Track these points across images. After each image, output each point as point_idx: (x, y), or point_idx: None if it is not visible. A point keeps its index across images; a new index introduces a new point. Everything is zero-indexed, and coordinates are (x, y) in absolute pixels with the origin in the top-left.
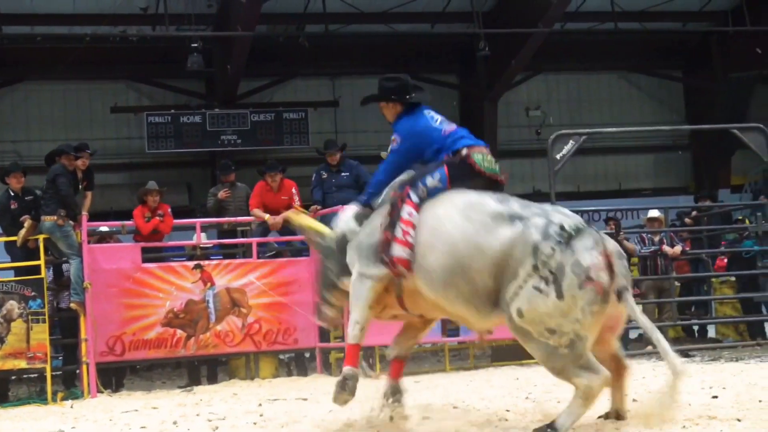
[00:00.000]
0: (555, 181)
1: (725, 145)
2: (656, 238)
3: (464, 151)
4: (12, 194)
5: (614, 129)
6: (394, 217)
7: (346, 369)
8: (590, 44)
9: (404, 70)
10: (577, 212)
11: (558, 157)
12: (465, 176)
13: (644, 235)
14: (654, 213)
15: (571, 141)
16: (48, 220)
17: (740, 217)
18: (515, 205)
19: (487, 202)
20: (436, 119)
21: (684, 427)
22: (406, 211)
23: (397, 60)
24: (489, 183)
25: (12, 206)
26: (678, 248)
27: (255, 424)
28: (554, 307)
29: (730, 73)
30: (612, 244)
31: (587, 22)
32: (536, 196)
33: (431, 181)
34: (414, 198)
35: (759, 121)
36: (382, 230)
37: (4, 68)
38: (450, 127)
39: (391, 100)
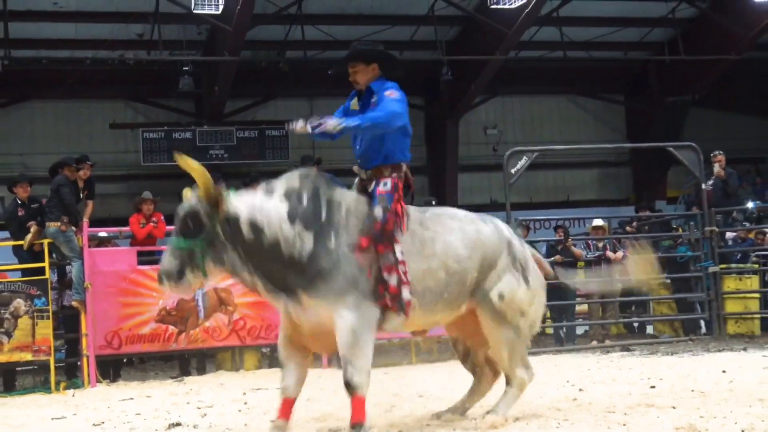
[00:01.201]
0: (510, 193)
1: (662, 161)
2: (600, 245)
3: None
4: (19, 202)
5: (563, 146)
6: (389, 255)
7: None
8: (541, 70)
9: None
10: (530, 221)
11: (513, 171)
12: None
13: (590, 241)
14: (598, 222)
15: (524, 157)
16: (52, 226)
17: (675, 226)
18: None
19: (451, 212)
20: None
21: (625, 414)
22: (399, 250)
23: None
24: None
25: (19, 213)
26: (620, 253)
27: (240, 411)
28: (525, 294)
29: (666, 98)
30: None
31: (539, 50)
32: (493, 206)
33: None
34: (398, 236)
35: (692, 141)
36: (377, 265)
37: (13, 88)
38: None
39: (371, 63)
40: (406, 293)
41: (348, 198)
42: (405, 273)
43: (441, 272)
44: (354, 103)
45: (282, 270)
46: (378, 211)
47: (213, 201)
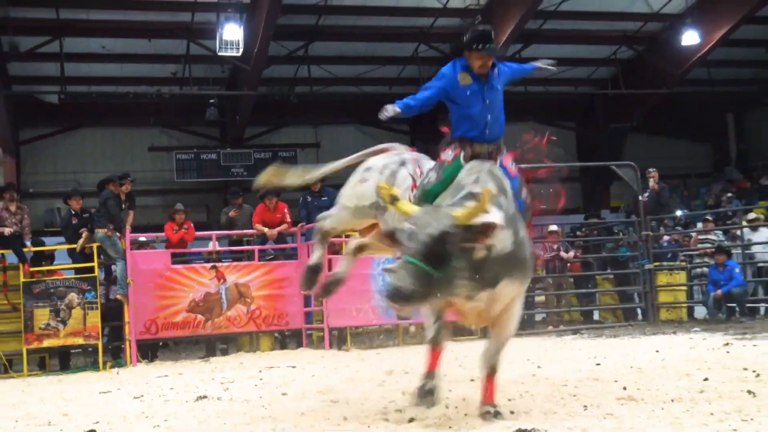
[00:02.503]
0: None
1: (606, 177)
2: (555, 246)
3: None
4: (73, 213)
5: (524, 165)
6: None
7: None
8: (507, 103)
9: (370, 123)
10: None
11: None
12: None
13: (546, 243)
14: (553, 227)
15: None
16: (100, 232)
17: (617, 231)
18: None
19: None
20: None
21: (576, 387)
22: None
23: (363, 114)
24: None
25: (73, 222)
26: (571, 254)
27: (256, 385)
28: None
29: (609, 124)
30: None
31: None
32: None
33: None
34: None
35: (631, 160)
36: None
37: (68, 117)
38: None
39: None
40: None
41: (506, 182)
42: None
43: None
44: (465, 78)
45: (494, 269)
46: (526, 196)
47: (479, 233)
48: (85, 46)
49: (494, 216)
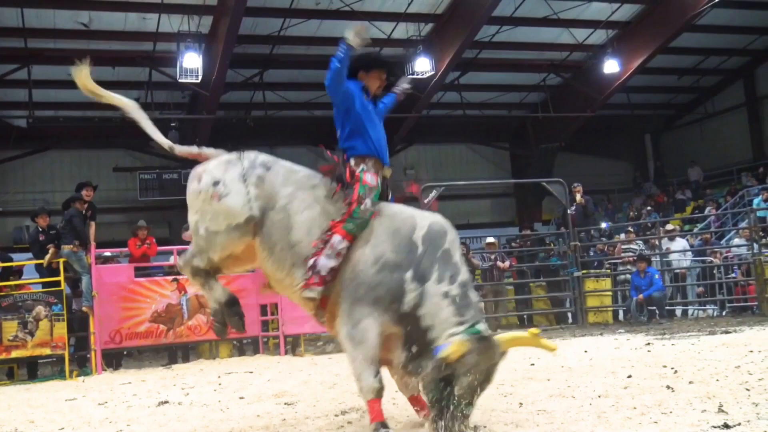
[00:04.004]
0: None
1: (537, 193)
2: (492, 256)
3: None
4: (40, 230)
5: (463, 182)
6: None
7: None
8: (447, 125)
9: (320, 143)
10: None
11: (426, 201)
12: None
13: (484, 254)
14: (490, 239)
15: (434, 191)
16: (66, 248)
17: (548, 242)
18: None
19: None
20: None
21: (512, 385)
22: None
23: (314, 135)
24: None
25: (40, 238)
26: (507, 263)
27: (215, 390)
28: None
29: (540, 145)
30: None
31: (444, 110)
32: None
33: None
34: None
35: (560, 177)
36: None
37: (36, 140)
38: None
39: (385, 72)
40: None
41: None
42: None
43: None
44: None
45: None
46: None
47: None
48: (52, 74)
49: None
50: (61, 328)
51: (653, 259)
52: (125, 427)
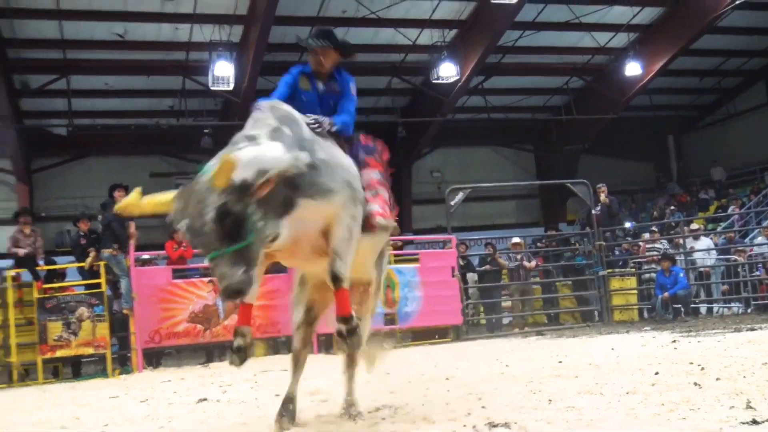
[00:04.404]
0: (451, 220)
1: (562, 194)
2: (519, 256)
3: None
4: (81, 234)
5: (489, 184)
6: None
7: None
8: (472, 128)
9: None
10: (467, 240)
11: (452, 203)
12: None
13: (511, 254)
14: (516, 239)
15: (460, 193)
16: (106, 252)
17: (573, 242)
18: None
19: None
20: None
21: (540, 382)
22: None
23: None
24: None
25: (81, 242)
26: (533, 263)
27: (251, 388)
28: None
29: (564, 147)
30: None
31: (469, 113)
32: (438, 230)
33: None
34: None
35: (584, 178)
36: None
37: (75, 148)
38: None
39: (337, 50)
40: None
41: (293, 114)
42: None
43: None
44: (305, 82)
45: (291, 192)
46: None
47: (232, 182)
48: (90, 83)
49: (269, 148)
50: (103, 329)
51: (678, 258)
52: (166, 423)
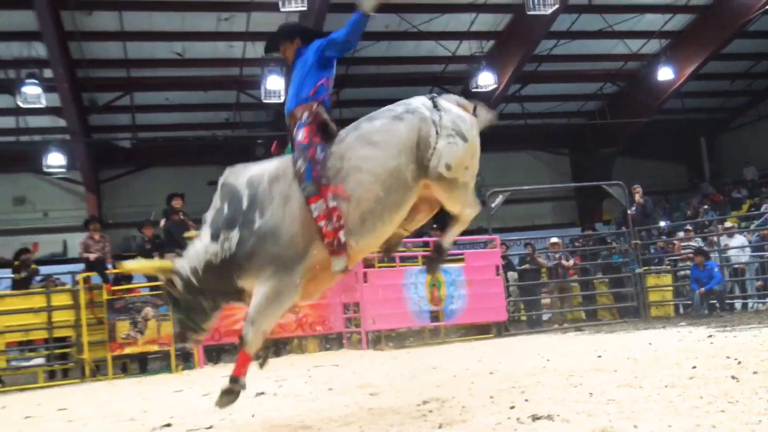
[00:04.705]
0: (492, 221)
1: (598, 195)
2: (557, 255)
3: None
4: (146, 239)
5: (527, 187)
6: (321, 204)
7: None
8: (510, 134)
9: None
10: (507, 240)
11: (493, 205)
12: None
13: (549, 253)
14: (554, 239)
15: (500, 195)
16: (168, 256)
17: (610, 241)
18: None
19: (368, 116)
20: None
21: (581, 376)
22: (330, 196)
23: None
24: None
25: (146, 247)
26: (571, 261)
27: (305, 382)
28: (464, 151)
29: (599, 150)
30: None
31: (507, 120)
32: (480, 231)
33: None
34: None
35: (618, 180)
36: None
37: (139, 159)
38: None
39: (294, 39)
40: (341, 236)
41: (269, 167)
42: (339, 217)
43: (375, 186)
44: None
45: (228, 276)
46: (300, 164)
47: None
48: (151, 99)
49: (195, 246)
50: (167, 327)
51: (712, 255)
52: (227, 416)
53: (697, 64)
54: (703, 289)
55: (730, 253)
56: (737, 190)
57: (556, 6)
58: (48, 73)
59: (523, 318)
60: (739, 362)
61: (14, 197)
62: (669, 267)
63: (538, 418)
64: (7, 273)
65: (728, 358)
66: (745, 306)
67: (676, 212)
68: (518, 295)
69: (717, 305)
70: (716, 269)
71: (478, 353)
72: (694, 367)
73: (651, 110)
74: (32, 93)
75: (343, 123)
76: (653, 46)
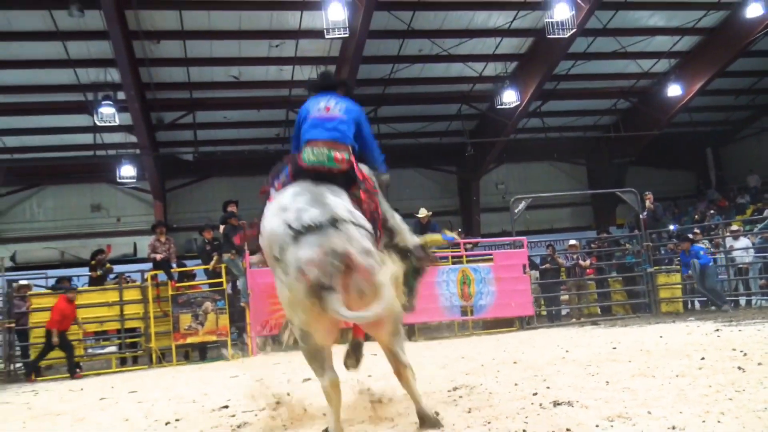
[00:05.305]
0: (515, 225)
1: (612, 201)
2: (575, 256)
3: (303, 146)
4: (206, 241)
5: (547, 194)
6: None
7: None
8: (531, 146)
9: (424, 165)
10: (529, 242)
11: (516, 211)
12: (296, 171)
13: (568, 254)
14: (573, 241)
15: (523, 202)
16: (226, 256)
17: (623, 243)
18: (302, 199)
19: (285, 197)
20: (320, 107)
21: (598, 366)
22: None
23: (419, 159)
24: (318, 174)
25: (206, 248)
26: (588, 262)
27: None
28: (286, 297)
29: (613, 160)
30: (335, 243)
31: (529, 133)
32: (504, 234)
33: (282, 178)
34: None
35: (631, 188)
36: None
37: (200, 170)
38: (326, 115)
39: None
40: None
41: None
42: None
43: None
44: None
45: None
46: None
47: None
48: (211, 117)
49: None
50: (224, 319)
51: (717, 256)
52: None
53: (704, 81)
54: (696, 262)
55: (735, 254)
56: (741, 196)
57: (574, 30)
58: (121, 95)
59: (544, 313)
60: (745, 354)
61: (91, 204)
62: (678, 266)
63: (559, 404)
64: (85, 271)
65: (734, 350)
66: (749, 302)
67: (685, 217)
68: (539, 292)
69: (709, 301)
70: (702, 252)
71: (503, 345)
72: (702, 359)
73: (661, 124)
74: (107, 113)
75: (381, 138)
76: (663, 65)
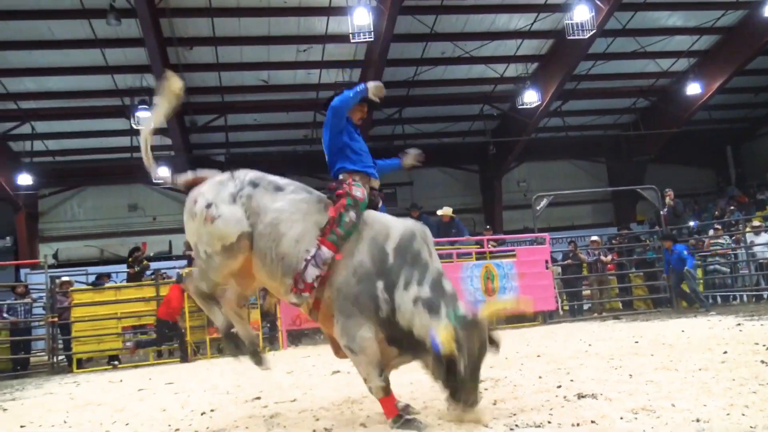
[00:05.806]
0: (537, 222)
1: (632, 198)
2: (596, 252)
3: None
4: None
5: (568, 191)
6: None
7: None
8: (552, 145)
9: (449, 165)
10: (551, 238)
11: (538, 208)
12: None
13: (590, 250)
14: (594, 237)
15: (544, 199)
16: None
17: (644, 239)
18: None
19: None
20: None
21: (620, 359)
22: None
23: (443, 159)
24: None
25: None
26: (609, 257)
27: None
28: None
29: (633, 158)
30: None
31: (550, 132)
32: (526, 231)
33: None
34: None
35: (651, 184)
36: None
37: (232, 170)
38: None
39: (366, 106)
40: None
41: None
42: None
43: None
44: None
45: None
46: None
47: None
48: (242, 120)
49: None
50: (255, 314)
51: (738, 251)
52: (308, 390)
53: (723, 80)
54: (687, 269)
55: (756, 249)
56: (761, 192)
57: (593, 31)
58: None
59: (566, 308)
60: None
61: (128, 204)
62: (699, 262)
63: (583, 397)
64: (123, 268)
65: (757, 344)
66: None
67: (705, 213)
68: (561, 287)
69: (687, 296)
70: (685, 252)
71: (526, 338)
72: (725, 353)
73: (680, 121)
74: (144, 117)
75: (405, 138)
76: (682, 64)
